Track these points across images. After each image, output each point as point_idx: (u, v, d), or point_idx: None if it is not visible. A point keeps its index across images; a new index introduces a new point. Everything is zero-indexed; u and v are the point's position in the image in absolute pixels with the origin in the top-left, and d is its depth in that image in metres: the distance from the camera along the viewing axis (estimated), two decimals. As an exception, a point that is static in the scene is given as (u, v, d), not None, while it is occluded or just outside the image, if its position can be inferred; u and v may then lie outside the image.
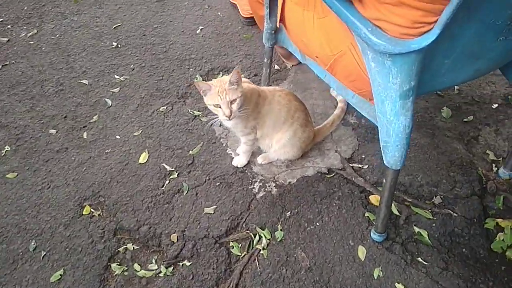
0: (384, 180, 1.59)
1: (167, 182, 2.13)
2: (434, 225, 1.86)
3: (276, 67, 2.73)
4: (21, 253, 1.89)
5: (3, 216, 2.03)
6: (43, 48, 3.03)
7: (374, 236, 1.81)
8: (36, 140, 2.39)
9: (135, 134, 2.38)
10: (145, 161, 2.23)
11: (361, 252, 1.79)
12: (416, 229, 1.84)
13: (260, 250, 1.84)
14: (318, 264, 1.77)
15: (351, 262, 1.77)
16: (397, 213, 1.91)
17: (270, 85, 2.29)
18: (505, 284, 1.67)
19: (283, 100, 1.96)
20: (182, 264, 1.82)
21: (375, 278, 1.71)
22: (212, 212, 1.98)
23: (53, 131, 2.43)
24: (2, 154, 2.32)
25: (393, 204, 1.92)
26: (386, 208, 1.68)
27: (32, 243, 1.92)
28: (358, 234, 1.85)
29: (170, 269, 1.81)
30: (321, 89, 2.52)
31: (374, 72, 1.34)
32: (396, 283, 1.68)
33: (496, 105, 2.34)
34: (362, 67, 1.41)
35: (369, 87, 1.43)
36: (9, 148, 2.35)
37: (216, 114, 1.82)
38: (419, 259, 1.76)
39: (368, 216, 1.90)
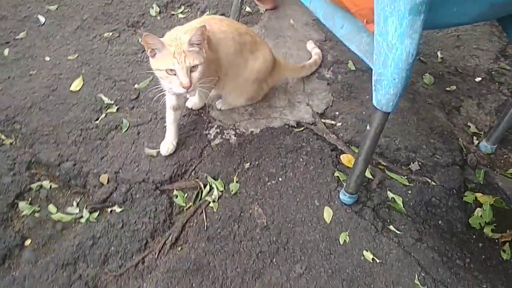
0: (368, 127, 1.33)
1: (103, 115, 1.75)
2: (409, 192, 1.63)
3: (248, 9, 2.40)
4: None
5: None
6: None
7: (344, 197, 1.55)
8: None
9: (69, 58, 1.96)
10: (78, 89, 1.83)
11: (327, 213, 1.53)
12: (390, 195, 1.61)
13: (209, 202, 1.52)
14: (276, 223, 1.49)
15: (315, 223, 1.50)
16: (370, 176, 1.67)
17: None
18: (483, 263, 1.47)
19: (223, 26, 1.57)
20: (111, 210, 1.47)
21: (341, 243, 1.46)
22: (155, 155, 1.64)
23: (-35, 43, 1.96)
24: None
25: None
26: (363, 163, 1.43)
27: None
28: (325, 194, 1.59)
29: (95, 214, 1.45)
30: (296, 38, 2.23)
31: (381, -22, 1.07)
32: (364, 251, 1.44)
33: (480, 78, 2.17)
34: (366, -28, 1.13)
35: (370, 3, 1.15)
36: None
37: (165, 85, 1.38)
38: (391, 227, 1.53)
39: (338, 176, 1.65)
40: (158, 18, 2.25)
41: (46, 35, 2.05)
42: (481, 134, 1.90)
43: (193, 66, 1.31)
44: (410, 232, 1.52)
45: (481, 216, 1.61)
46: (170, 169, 1.60)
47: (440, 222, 1.57)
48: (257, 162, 1.66)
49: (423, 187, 1.65)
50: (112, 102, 1.80)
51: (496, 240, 1.55)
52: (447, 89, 2.08)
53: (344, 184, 1.58)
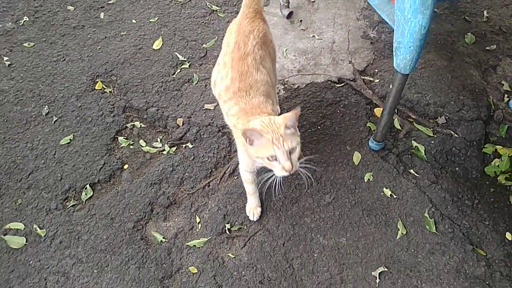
0: (390, 86, 1.60)
1: (178, 70, 2.16)
2: (433, 142, 1.89)
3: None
4: (34, 116, 1.99)
5: (19, 81, 2.11)
6: None
7: (372, 144, 1.85)
8: (54, 15, 2.40)
9: (151, 20, 2.37)
10: (158, 47, 2.25)
11: (356, 157, 1.85)
12: (414, 144, 1.88)
13: (260, 143, 1.90)
14: (312, 163, 1.83)
15: (345, 164, 1.83)
16: (399, 127, 1.93)
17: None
18: (490, 205, 1.73)
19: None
20: (185, 146, 1.91)
21: (365, 181, 1.78)
22: (213, 108, 2.02)
23: (71, 7, 2.43)
24: (20, 24, 2.35)
25: (396, 119, 1.95)
26: (388, 116, 1.71)
27: (45, 108, 2.01)
28: (357, 141, 1.90)
29: (174, 148, 1.90)
30: (346, -1, 2.44)
31: (400, -37, 1.29)
32: (384, 188, 1.76)
33: (524, 37, 2.25)
34: (390, -43, 1.35)
35: (393, -18, 1.38)
36: (27, 19, 2.37)
37: (267, 169, 1.35)
38: (411, 171, 1.81)
39: (369, 126, 1.93)
40: (223, -18, 2.56)
41: (133, 1, 2.46)
42: (513, 92, 2.04)
43: (291, 149, 1.28)
44: (428, 176, 1.80)
45: (498, 166, 1.83)
46: (230, 116, 1.99)
47: (457, 168, 1.82)
48: (301, 113, 1.99)
49: (446, 138, 1.89)
50: (185, 59, 2.19)
51: (508, 187, 1.78)
52: (487, 48, 2.21)
53: (374, 132, 1.87)
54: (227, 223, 1.69)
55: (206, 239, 1.64)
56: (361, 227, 1.67)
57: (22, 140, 1.91)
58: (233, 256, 1.61)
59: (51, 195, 1.76)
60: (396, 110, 1.98)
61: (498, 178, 1.80)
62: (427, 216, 1.68)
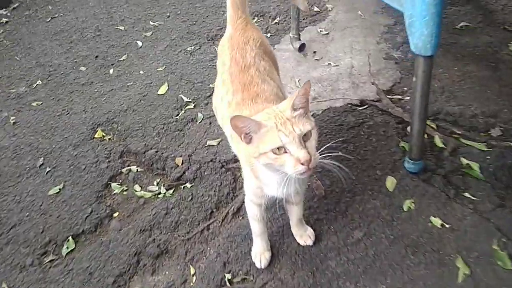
0: (413, 78, 1.28)
1: (183, 112, 1.98)
2: (488, 158, 1.47)
3: (316, 8, 2.49)
4: (28, 168, 1.83)
5: (20, 136, 2.01)
6: (90, 3, 3.10)
7: (408, 165, 1.47)
8: (66, 76, 2.39)
9: (158, 69, 2.28)
10: (164, 92, 2.11)
11: (390, 182, 1.47)
12: (465, 162, 1.47)
13: (270, 176, 1.59)
14: (334, 193, 1.47)
15: (376, 192, 1.45)
16: (442, 145, 1.55)
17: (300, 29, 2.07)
18: None
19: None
20: (184, 187, 1.63)
21: (405, 210, 1.38)
22: (216, 144, 1.78)
23: (83, 68, 2.42)
24: (33, 87, 2.34)
25: (437, 136, 1.58)
26: (419, 122, 1.36)
27: (40, 160, 1.85)
28: (389, 164, 1.53)
29: (171, 191, 1.63)
30: (363, 27, 2.23)
31: None
32: (432, 217, 1.34)
33: None
34: None
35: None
36: (40, 82, 2.37)
37: (276, 169, 0.99)
38: (466, 194, 1.39)
39: (403, 147, 1.57)
40: (234, 29, 2.48)
41: (142, 55, 2.43)
42: None
43: (305, 134, 0.97)
44: (489, 198, 1.37)
45: None
46: (236, 151, 1.72)
47: (528, 187, 1.38)
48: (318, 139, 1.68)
49: (506, 152, 1.48)
50: (190, 100, 2.03)
51: None
52: (538, 53, 1.85)
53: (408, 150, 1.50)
54: (228, 273, 1.32)
55: (201, 295, 1.28)
56: (406, 269, 1.23)
57: (11, 194, 1.74)
58: (234, 317, 1.22)
59: (28, 250, 1.51)
60: (436, 127, 1.62)
61: None
62: (497, 248, 1.22)
